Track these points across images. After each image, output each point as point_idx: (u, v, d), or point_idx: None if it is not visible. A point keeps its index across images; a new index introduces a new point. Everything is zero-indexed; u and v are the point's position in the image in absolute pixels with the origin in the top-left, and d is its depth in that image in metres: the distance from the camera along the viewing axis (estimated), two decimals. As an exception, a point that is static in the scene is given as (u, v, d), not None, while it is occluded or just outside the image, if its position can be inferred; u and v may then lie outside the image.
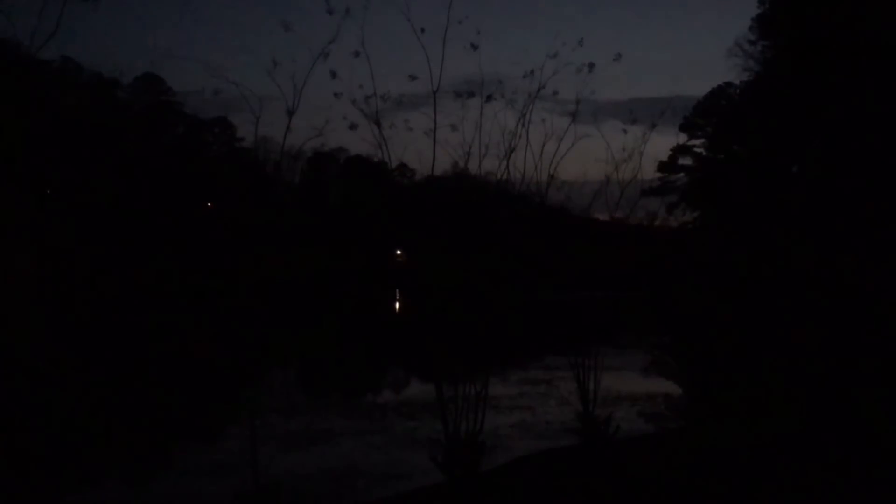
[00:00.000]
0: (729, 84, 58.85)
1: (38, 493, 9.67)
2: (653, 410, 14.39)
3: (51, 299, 41.60)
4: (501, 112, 9.45)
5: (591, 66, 9.81)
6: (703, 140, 66.20)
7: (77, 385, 16.95)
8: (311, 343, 26.31)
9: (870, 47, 24.05)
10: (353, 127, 8.77)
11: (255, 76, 8.03)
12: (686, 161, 69.34)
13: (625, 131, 11.39)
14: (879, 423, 10.95)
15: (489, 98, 9.16)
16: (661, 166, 66.13)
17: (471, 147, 9.23)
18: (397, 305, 49.20)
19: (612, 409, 11.90)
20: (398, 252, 69.08)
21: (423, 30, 8.54)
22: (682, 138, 66.22)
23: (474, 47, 9.00)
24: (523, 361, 20.64)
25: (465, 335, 9.06)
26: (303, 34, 8.61)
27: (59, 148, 52.52)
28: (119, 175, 57.25)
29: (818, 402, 13.06)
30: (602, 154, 11.49)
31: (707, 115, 62.71)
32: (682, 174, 69.25)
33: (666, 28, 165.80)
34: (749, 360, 19.91)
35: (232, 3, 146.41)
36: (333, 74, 8.20)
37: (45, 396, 15.46)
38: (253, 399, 10.30)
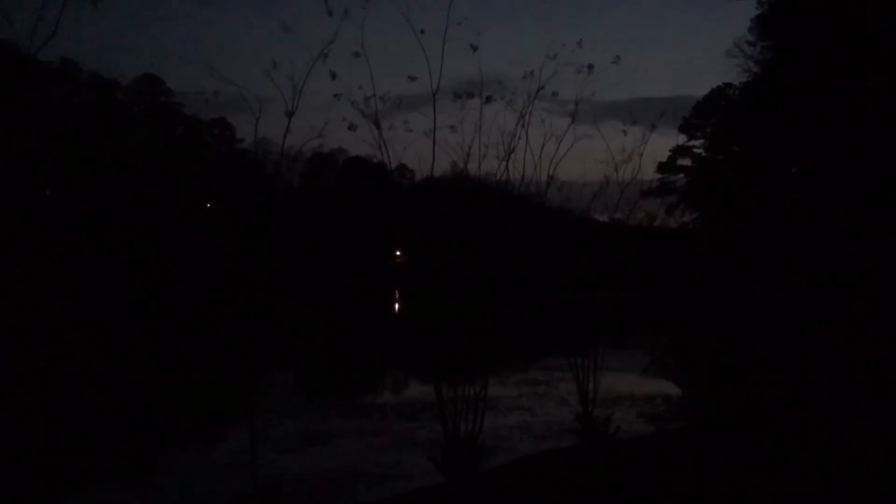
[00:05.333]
0: (728, 85, 58.88)
1: (38, 493, 9.67)
2: (652, 411, 14.39)
3: (51, 300, 41.55)
4: (501, 113, 9.44)
5: (591, 67, 9.79)
6: (702, 141, 66.21)
7: (77, 385, 16.94)
8: (310, 343, 26.33)
9: (870, 47, 24.06)
10: (352, 128, 8.74)
11: (255, 77, 8.03)
12: (685, 162, 69.37)
13: (624, 132, 11.37)
14: (881, 421, 10.96)
15: (489, 99, 9.14)
16: (661, 167, 66.18)
17: (470, 148, 9.21)
18: (397, 306, 49.19)
19: (611, 410, 11.90)
20: (397, 252, 69.04)
21: (422, 31, 8.52)
22: (682, 139, 66.26)
23: (474, 48, 8.97)
24: (523, 362, 20.65)
25: (464, 335, 9.06)
26: (302, 35, 8.60)
27: (58, 149, 52.47)
28: (118, 176, 57.22)
29: (819, 401, 13.07)
30: (602, 155, 11.48)
31: (706, 115, 62.72)
32: (681, 175, 69.29)
33: (665, 29, 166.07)
34: (749, 360, 19.93)
35: (231, 3, 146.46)
36: (333, 75, 8.19)
37: (46, 396, 15.46)
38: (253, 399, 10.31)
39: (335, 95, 8.39)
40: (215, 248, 49.94)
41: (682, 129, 63.81)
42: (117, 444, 12.04)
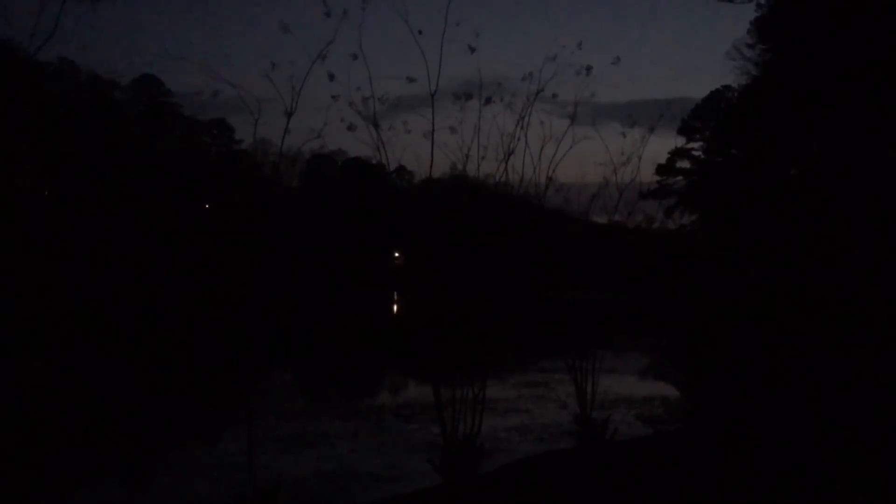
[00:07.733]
0: (727, 87, 58.96)
1: (38, 493, 9.65)
2: (650, 413, 14.38)
3: (49, 301, 41.48)
4: (500, 114, 9.45)
5: (590, 68, 9.80)
6: (701, 143, 66.29)
7: (77, 386, 16.92)
8: (309, 345, 26.31)
9: (870, 48, 24.07)
10: (351, 129, 8.76)
11: (254, 78, 8.04)
12: (684, 164, 69.47)
13: (623, 134, 11.38)
14: (877, 426, 10.96)
15: (488, 100, 9.15)
16: (660, 169, 66.20)
17: (469, 149, 9.23)
18: (395, 307, 49.18)
19: (609, 412, 11.90)
20: (396, 254, 69.05)
21: (420, 32, 8.53)
22: (681, 141, 66.35)
23: (472, 49, 8.99)
24: (521, 364, 20.64)
25: (463, 338, 9.05)
26: (301, 36, 8.62)
27: (56, 150, 52.40)
28: (117, 177, 57.20)
29: (816, 403, 13.08)
30: (601, 157, 11.51)
31: (705, 118, 62.83)
32: (680, 177, 69.36)
33: (665, 31, 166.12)
34: (747, 361, 19.93)
35: (230, 4, 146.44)
36: (331, 76, 8.21)
37: (45, 398, 15.43)
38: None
39: (333, 97, 8.41)
40: (214, 249, 49.91)
41: (680, 132, 63.89)
42: (117, 444, 12.02)
